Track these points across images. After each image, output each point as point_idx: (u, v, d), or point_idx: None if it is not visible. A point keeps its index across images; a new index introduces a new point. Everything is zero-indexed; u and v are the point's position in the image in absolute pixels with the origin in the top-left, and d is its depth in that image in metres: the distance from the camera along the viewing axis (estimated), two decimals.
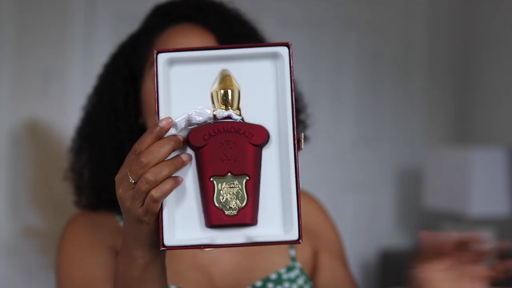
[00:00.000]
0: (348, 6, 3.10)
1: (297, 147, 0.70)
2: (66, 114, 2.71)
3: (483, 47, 3.04)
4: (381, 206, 3.17)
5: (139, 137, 1.02)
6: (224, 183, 0.70)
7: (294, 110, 0.71)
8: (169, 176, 0.69)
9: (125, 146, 1.03)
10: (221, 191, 0.70)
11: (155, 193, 0.69)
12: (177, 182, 0.70)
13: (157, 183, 0.68)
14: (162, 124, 0.70)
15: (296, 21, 2.98)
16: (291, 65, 0.72)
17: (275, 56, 0.73)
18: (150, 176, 0.68)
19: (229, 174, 0.70)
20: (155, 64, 0.73)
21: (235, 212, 0.70)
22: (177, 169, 0.70)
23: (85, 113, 1.08)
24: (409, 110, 3.19)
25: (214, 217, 0.70)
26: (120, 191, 0.73)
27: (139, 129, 1.03)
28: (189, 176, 0.72)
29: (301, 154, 0.73)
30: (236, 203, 0.70)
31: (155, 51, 0.74)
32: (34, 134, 2.69)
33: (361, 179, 3.13)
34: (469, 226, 2.65)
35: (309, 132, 1.13)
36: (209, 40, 0.99)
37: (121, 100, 1.04)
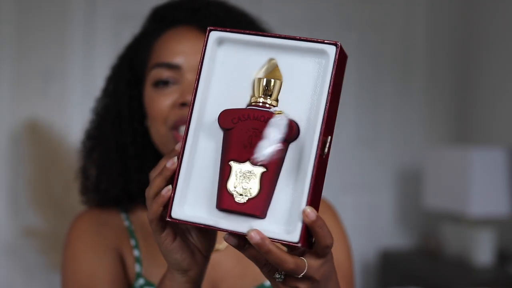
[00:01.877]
0: (348, 6, 3.10)
1: (320, 150, 0.67)
2: (66, 114, 2.72)
3: (483, 47, 3.04)
4: (381, 206, 3.17)
5: (142, 140, 1.02)
6: (241, 169, 0.69)
7: (326, 112, 0.68)
8: (163, 186, 0.71)
9: (128, 149, 1.03)
10: (237, 177, 0.69)
11: (149, 215, 0.72)
12: (157, 203, 0.71)
13: (154, 195, 0.71)
14: (168, 165, 0.71)
15: (296, 21, 2.98)
16: (335, 66, 0.69)
17: (321, 53, 0.70)
18: (148, 192, 0.72)
19: (248, 161, 0.69)
20: (205, 41, 0.73)
21: (245, 201, 0.68)
22: (168, 176, 0.71)
23: (93, 115, 1.09)
24: (409, 110, 3.19)
25: (225, 201, 0.69)
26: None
27: (144, 132, 1.04)
28: (213, 158, 0.71)
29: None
30: (248, 192, 0.68)
31: (208, 28, 0.73)
32: (34, 134, 2.69)
33: (361, 179, 3.14)
34: (469, 226, 2.65)
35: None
36: (203, 42, 0.99)
37: (124, 103, 1.05)
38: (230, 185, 0.69)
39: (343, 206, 3.01)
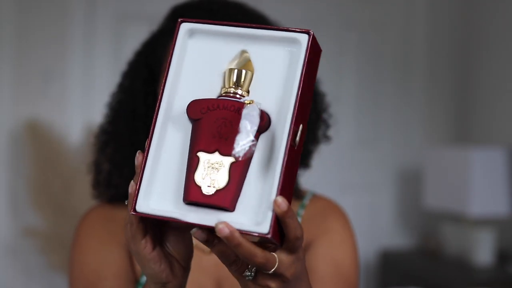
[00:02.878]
0: (348, 6, 3.10)
1: (291, 139, 0.65)
2: (66, 114, 2.72)
3: (483, 47, 3.04)
4: (381, 206, 3.17)
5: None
6: (210, 160, 0.66)
7: (298, 100, 0.66)
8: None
9: (142, 147, 1.03)
10: (205, 168, 0.66)
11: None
12: (129, 209, 0.69)
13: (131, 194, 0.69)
14: (136, 160, 0.69)
15: (296, 21, 2.98)
16: (307, 54, 0.68)
17: (293, 42, 0.69)
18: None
19: (216, 152, 0.66)
20: (175, 33, 0.71)
21: (213, 192, 0.65)
22: (139, 173, 0.69)
23: (108, 110, 1.09)
24: (409, 110, 3.19)
25: (191, 193, 0.65)
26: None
27: None
28: (181, 150, 0.69)
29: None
30: (216, 183, 0.65)
31: (179, 20, 0.72)
32: (34, 134, 2.69)
33: (361, 179, 3.14)
34: (469, 226, 2.65)
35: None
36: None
37: (140, 101, 1.04)
38: (198, 177, 0.66)
39: (343, 206, 3.00)
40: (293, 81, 0.67)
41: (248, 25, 0.70)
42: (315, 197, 1.09)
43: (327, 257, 1.02)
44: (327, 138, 1.10)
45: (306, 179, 1.15)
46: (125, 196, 1.03)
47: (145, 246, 0.70)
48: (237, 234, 0.62)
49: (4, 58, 2.68)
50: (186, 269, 0.74)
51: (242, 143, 0.63)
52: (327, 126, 1.11)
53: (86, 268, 1.00)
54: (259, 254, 0.64)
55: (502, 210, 2.59)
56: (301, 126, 0.67)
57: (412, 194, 3.15)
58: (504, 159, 2.60)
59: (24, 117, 2.69)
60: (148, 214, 0.66)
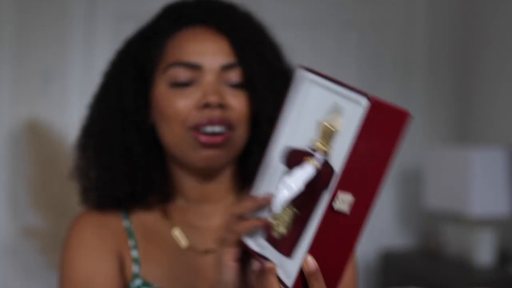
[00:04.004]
0: (348, 6, 3.10)
1: (331, 203, 0.66)
2: (66, 114, 2.71)
3: (483, 47, 3.04)
4: (381, 206, 3.16)
5: (147, 138, 1.01)
6: (287, 207, 0.72)
7: (346, 165, 0.65)
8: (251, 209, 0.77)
9: (134, 148, 1.01)
10: (281, 212, 0.73)
11: (236, 227, 0.77)
12: (255, 223, 0.76)
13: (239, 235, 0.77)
14: (261, 200, 0.77)
15: (296, 21, 2.98)
16: (366, 120, 0.66)
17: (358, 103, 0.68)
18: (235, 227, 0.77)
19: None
20: (298, 79, 0.76)
21: (278, 236, 0.73)
22: (251, 230, 0.77)
23: (91, 111, 1.06)
24: (410, 110, 3.18)
25: (266, 231, 0.75)
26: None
27: (148, 131, 1.02)
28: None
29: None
30: (282, 228, 0.72)
31: (301, 66, 0.76)
32: (34, 134, 2.69)
33: None
34: (469, 226, 2.65)
35: None
36: (222, 43, 0.98)
37: (129, 100, 1.02)
38: (274, 217, 0.74)
39: None
40: (346, 143, 0.66)
41: (351, 86, 0.70)
42: None
43: None
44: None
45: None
46: (116, 200, 1.01)
47: (228, 254, 0.78)
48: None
49: (4, 58, 2.68)
50: None
51: (280, 196, 0.69)
52: None
53: (76, 277, 0.98)
54: None
55: (503, 210, 2.59)
56: (350, 196, 0.66)
57: (412, 194, 3.15)
58: (504, 159, 2.60)
59: (24, 117, 2.69)
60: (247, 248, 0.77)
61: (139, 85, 1.02)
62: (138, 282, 0.98)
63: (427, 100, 3.21)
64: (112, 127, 1.02)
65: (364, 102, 0.67)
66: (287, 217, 0.71)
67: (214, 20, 1.00)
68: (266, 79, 0.96)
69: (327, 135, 0.70)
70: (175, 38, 1.00)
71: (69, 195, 1.20)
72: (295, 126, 0.76)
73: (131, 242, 1.01)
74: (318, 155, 0.70)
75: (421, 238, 3.09)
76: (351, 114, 0.67)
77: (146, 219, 1.03)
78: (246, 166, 1.01)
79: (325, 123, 0.70)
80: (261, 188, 0.79)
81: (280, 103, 0.82)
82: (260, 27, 1.05)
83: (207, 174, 0.99)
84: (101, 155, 1.03)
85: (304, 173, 0.68)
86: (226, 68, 0.97)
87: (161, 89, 0.98)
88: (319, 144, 0.70)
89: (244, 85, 0.97)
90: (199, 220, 1.02)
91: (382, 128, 0.67)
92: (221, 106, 0.94)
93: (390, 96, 3.15)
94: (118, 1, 2.74)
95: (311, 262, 0.67)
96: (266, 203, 0.76)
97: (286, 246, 0.71)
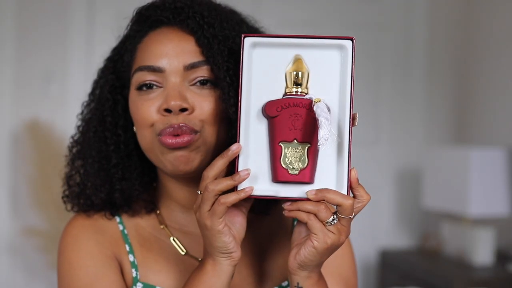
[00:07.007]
0: (348, 6, 3.10)
1: (352, 123, 0.85)
2: (67, 115, 2.72)
3: (483, 47, 3.04)
4: (380, 206, 3.18)
5: (126, 148, 1.01)
6: (290, 148, 0.85)
7: (353, 93, 0.85)
8: (231, 187, 0.83)
9: (111, 157, 1.00)
10: (287, 154, 0.85)
11: (222, 198, 0.83)
12: (239, 195, 0.83)
13: (219, 192, 0.83)
14: (234, 148, 0.85)
15: (296, 21, 2.99)
16: (353, 55, 0.85)
17: (340, 47, 0.86)
18: (211, 185, 0.83)
19: (295, 140, 0.85)
20: (241, 46, 0.87)
21: (297, 172, 0.84)
22: (236, 184, 0.84)
23: (80, 120, 1.07)
24: (409, 110, 3.20)
25: (279, 175, 0.84)
26: (194, 207, 0.88)
27: (128, 139, 1.01)
28: (263, 140, 0.87)
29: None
30: (298, 164, 0.84)
31: (242, 35, 0.87)
32: (35, 135, 2.70)
33: (361, 179, 3.13)
34: (468, 226, 2.66)
35: None
36: (187, 43, 0.96)
37: (108, 109, 1.01)
38: (283, 162, 0.85)
39: None
40: (345, 77, 0.86)
41: (301, 36, 0.87)
42: None
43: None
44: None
45: None
46: (100, 206, 1.01)
47: (221, 223, 0.84)
48: (324, 191, 0.83)
49: (5, 59, 2.69)
50: (239, 246, 0.88)
51: (325, 136, 0.80)
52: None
53: (74, 282, 0.96)
54: (348, 196, 0.85)
55: (502, 210, 2.60)
56: (357, 113, 0.86)
57: (412, 194, 3.16)
58: (504, 159, 2.61)
59: (25, 117, 2.70)
60: (254, 195, 0.85)
61: (118, 93, 1.02)
62: (139, 286, 0.98)
63: (427, 101, 3.22)
64: (93, 137, 1.02)
65: (349, 43, 0.86)
66: (298, 153, 0.84)
67: (178, 20, 0.98)
68: (236, 74, 0.92)
69: (301, 79, 0.86)
70: (143, 42, 0.99)
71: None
72: (259, 86, 0.88)
73: (127, 247, 1.01)
74: (307, 96, 0.86)
75: (420, 237, 3.10)
76: (332, 57, 0.87)
77: (138, 225, 1.03)
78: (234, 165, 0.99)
79: (293, 72, 0.87)
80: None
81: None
82: (232, 21, 1.01)
83: (191, 178, 0.97)
84: (83, 164, 1.03)
85: (324, 107, 0.83)
86: (190, 68, 0.94)
87: (131, 95, 0.98)
88: (295, 89, 0.87)
89: (214, 83, 0.94)
90: (193, 227, 1.02)
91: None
92: (184, 109, 0.92)
93: (390, 96, 3.16)
94: (119, 2, 2.75)
95: (355, 173, 0.86)
96: (232, 155, 0.84)
97: (306, 175, 0.84)
